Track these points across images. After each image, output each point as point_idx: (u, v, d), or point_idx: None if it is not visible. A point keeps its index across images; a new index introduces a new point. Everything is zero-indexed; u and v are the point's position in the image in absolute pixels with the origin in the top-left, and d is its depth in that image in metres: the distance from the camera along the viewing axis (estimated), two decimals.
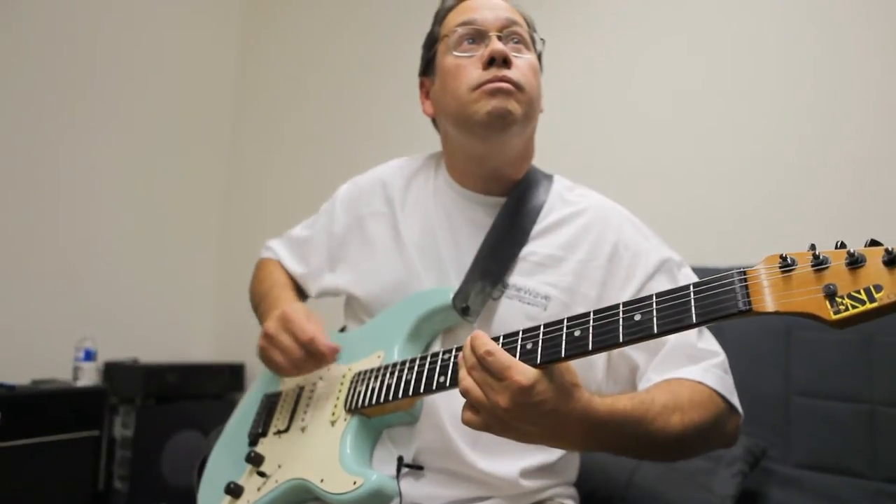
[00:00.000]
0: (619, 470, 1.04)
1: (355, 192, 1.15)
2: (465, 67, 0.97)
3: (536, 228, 0.98)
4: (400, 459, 0.89)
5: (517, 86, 0.95)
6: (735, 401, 0.89)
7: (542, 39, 1.06)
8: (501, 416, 0.67)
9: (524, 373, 0.65)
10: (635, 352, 0.92)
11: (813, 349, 1.54)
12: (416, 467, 0.90)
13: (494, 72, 0.94)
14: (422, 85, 1.10)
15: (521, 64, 0.97)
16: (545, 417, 0.67)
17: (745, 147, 1.92)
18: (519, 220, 0.98)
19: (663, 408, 0.77)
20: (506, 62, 0.95)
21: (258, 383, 1.14)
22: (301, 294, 1.20)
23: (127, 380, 2.50)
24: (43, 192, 2.52)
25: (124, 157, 2.79)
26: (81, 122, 2.63)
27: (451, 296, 0.92)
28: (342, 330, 1.17)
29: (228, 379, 2.88)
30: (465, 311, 0.91)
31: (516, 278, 0.94)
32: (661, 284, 0.93)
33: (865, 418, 1.45)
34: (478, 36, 0.98)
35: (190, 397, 2.69)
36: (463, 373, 0.69)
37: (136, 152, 2.83)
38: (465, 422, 0.70)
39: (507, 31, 0.98)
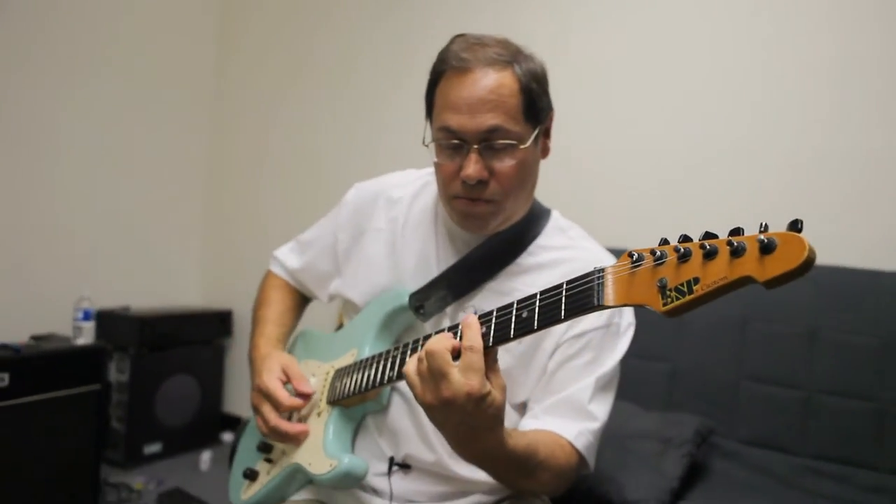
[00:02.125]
0: None
1: (359, 203, 1.18)
2: (447, 172, 0.97)
3: (522, 262, 1.04)
4: (391, 459, 1.02)
5: (492, 201, 0.97)
6: (592, 462, 0.99)
7: (550, 107, 1.02)
8: (434, 401, 0.74)
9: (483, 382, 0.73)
10: (538, 388, 1.01)
11: (765, 340, 1.70)
12: (405, 466, 1.03)
13: (468, 192, 0.95)
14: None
15: (503, 171, 0.95)
16: (465, 422, 0.75)
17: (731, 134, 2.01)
18: (501, 252, 1.04)
19: (540, 462, 0.89)
20: (482, 183, 0.94)
21: None
22: (304, 302, 1.30)
23: (121, 330, 2.61)
24: (35, 150, 2.53)
25: (111, 116, 2.79)
26: (71, 84, 2.63)
27: (408, 296, 1.03)
28: (339, 328, 1.28)
29: (217, 325, 3.01)
30: (418, 310, 1.01)
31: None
32: (600, 339, 1.01)
33: (802, 403, 1.63)
34: (459, 144, 0.95)
35: (181, 344, 2.82)
36: (412, 363, 0.77)
37: (121, 112, 2.83)
38: (405, 372, 0.78)
39: (487, 143, 0.93)
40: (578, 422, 0.97)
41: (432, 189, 1.13)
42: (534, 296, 0.75)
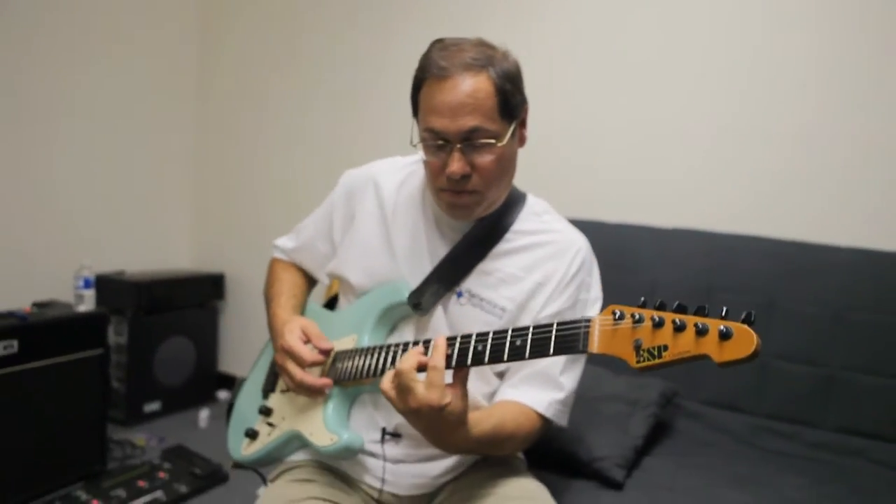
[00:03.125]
0: None
1: (351, 188, 1.27)
2: (434, 168, 1.07)
3: (501, 247, 1.15)
4: (383, 430, 1.14)
5: (475, 192, 1.07)
6: (563, 422, 1.14)
7: (524, 101, 1.10)
8: (404, 409, 0.90)
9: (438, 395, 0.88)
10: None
11: (727, 308, 1.82)
12: (396, 435, 1.15)
13: (454, 185, 1.05)
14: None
15: (483, 166, 1.05)
16: (431, 427, 0.92)
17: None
18: (484, 239, 1.15)
19: (508, 435, 1.04)
20: (465, 177, 1.04)
21: (269, 348, 1.36)
22: (310, 280, 1.38)
23: (118, 294, 2.70)
24: (32, 126, 2.58)
25: (102, 92, 2.82)
26: (64, 61, 2.66)
27: (407, 294, 1.14)
28: (330, 302, 1.39)
29: (210, 288, 3.12)
30: (416, 306, 1.13)
31: (483, 290, 1.13)
32: (570, 315, 1.12)
33: (758, 368, 1.77)
34: (443, 143, 1.04)
35: (176, 307, 2.92)
36: (388, 378, 0.93)
37: (111, 86, 2.86)
38: (383, 391, 0.92)
39: (469, 142, 1.03)
40: (549, 392, 1.11)
41: (418, 176, 1.22)
42: (527, 328, 0.87)
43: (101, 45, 2.80)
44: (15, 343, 1.93)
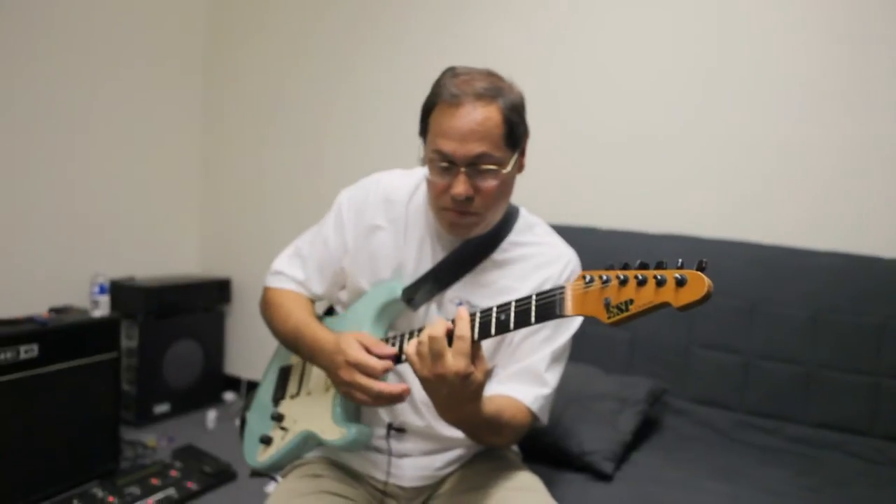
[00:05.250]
0: (551, 414, 1.37)
1: (358, 206, 1.29)
2: (438, 188, 1.12)
3: (497, 257, 1.23)
4: (389, 425, 1.23)
5: (476, 213, 1.12)
6: (545, 418, 1.21)
7: (526, 131, 1.15)
8: (430, 375, 0.95)
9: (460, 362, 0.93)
10: (504, 356, 1.22)
11: (713, 312, 1.92)
12: (400, 430, 1.24)
13: (457, 206, 1.11)
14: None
15: (486, 190, 1.10)
16: (452, 394, 0.96)
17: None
18: (479, 249, 1.22)
19: (504, 423, 1.11)
20: (468, 199, 1.09)
21: (275, 358, 1.44)
22: (311, 300, 1.41)
23: (129, 299, 2.79)
24: (47, 138, 2.66)
25: (113, 102, 2.91)
26: (77, 75, 2.74)
27: (401, 290, 1.21)
28: (329, 312, 1.44)
29: (217, 293, 3.21)
30: (409, 301, 1.21)
31: (481, 300, 1.20)
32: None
33: (742, 367, 1.87)
34: (448, 166, 1.09)
35: (184, 311, 3.02)
36: (413, 344, 0.98)
37: (121, 97, 2.95)
38: (406, 352, 0.99)
39: (474, 166, 1.08)
40: (535, 387, 1.19)
41: (423, 191, 1.27)
42: (509, 303, 0.94)
43: (112, 55, 2.88)
44: (35, 347, 2.02)
